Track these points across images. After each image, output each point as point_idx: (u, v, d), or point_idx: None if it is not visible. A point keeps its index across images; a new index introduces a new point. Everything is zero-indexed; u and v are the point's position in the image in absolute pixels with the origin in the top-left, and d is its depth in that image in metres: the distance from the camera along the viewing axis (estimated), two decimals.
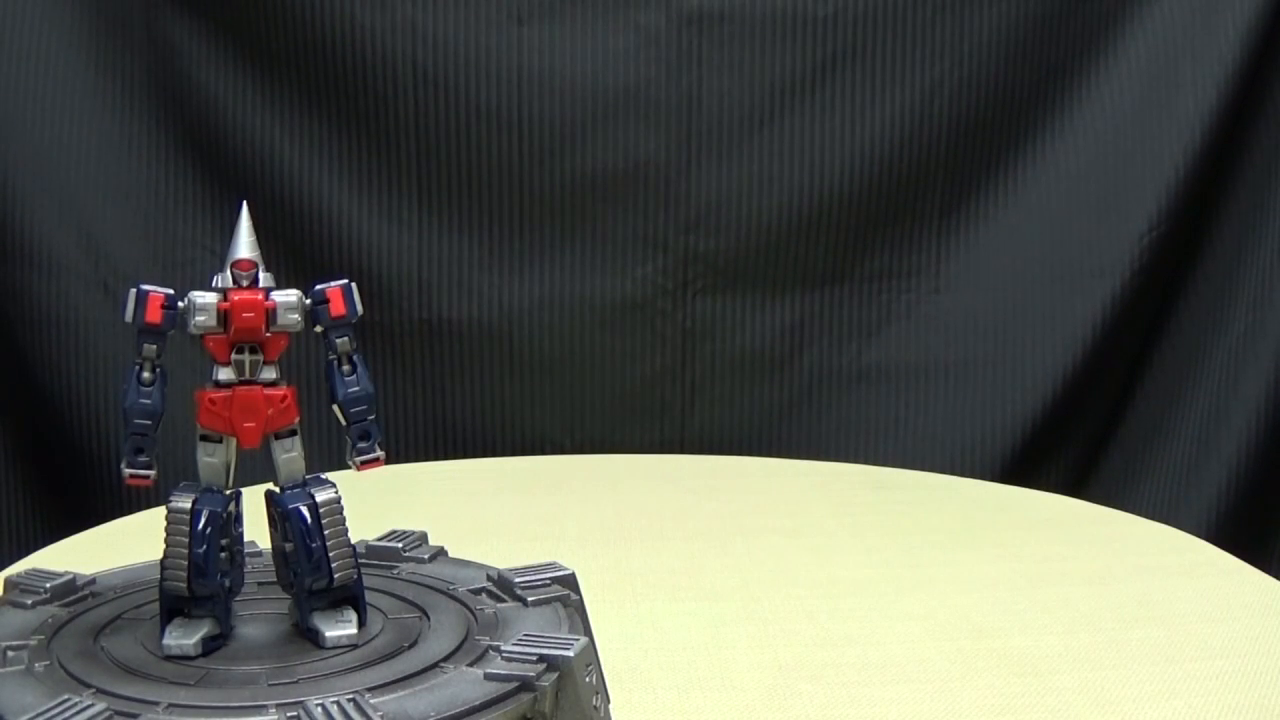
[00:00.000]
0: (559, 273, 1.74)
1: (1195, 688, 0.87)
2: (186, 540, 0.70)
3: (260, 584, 0.78)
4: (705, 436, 1.78)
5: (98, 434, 1.71)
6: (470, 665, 0.68)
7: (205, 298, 0.71)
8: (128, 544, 0.90)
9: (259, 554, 0.81)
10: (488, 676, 0.66)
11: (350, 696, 0.63)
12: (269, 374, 0.72)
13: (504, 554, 0.86)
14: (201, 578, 0.70)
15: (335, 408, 0.74)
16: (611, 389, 1.76)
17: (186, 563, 0.70)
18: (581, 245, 1.74)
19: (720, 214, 1.73)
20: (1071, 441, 1.82)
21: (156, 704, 0.64)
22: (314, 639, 0.72)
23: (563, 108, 1.70)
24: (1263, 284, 1.77)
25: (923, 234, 1.78)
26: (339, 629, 0.72)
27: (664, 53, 1.71)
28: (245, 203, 0.74)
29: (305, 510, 0.72)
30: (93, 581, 0.80)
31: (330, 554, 0.72)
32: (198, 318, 0.71)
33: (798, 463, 1.49)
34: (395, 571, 0.82)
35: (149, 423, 0.71)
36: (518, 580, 0.78)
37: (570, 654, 0.67)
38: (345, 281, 0.73)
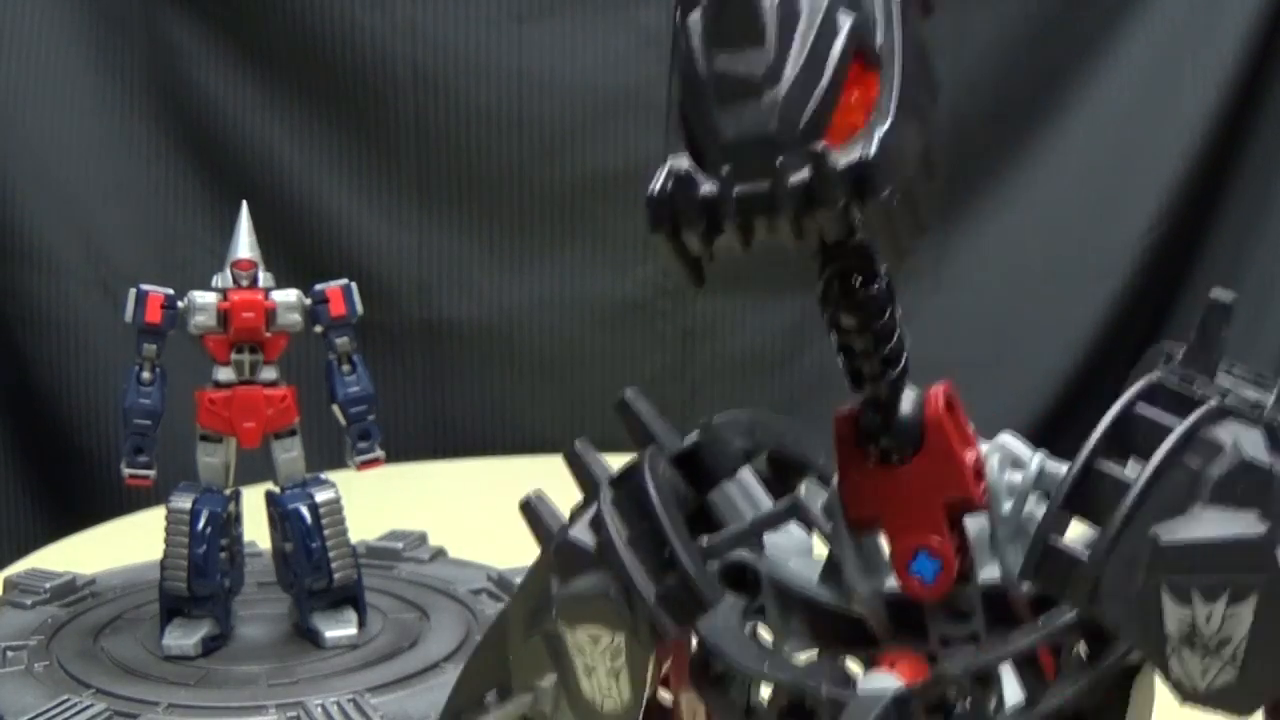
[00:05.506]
0: (559, 273, 1.74)
1: None
2: (186, 540, 0.70)
3: (260, 584, 0.78)
4: None
5: (98, 434, 1.70)
6: None
7: (205, 298, 0.71)
8: (128, 544, 0.90)
9: (259, 554, 0.81)
10: None
11: (350, 697, 0.63)
12: (269, 374, 0.72)
13: (504, 554, 0.86)
14: (201, 578, 0.70)
15: (335, 408, 0.74)
16: (611, 389, 1.75)
17: (186, 563, 0.70)
18: (581, 245, 1.74)
19: None
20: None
21: (156, 704, 0.64)
22: (314, 639, 0.72)
23: (563, 108, 1.70)
24: (1263, 284, 1.76)
25: None
26: (339, 629, 0.72)
27: (664, 52, 1.70)
28: (245, 203, 0.74)
29: (305, 510, 0.72)
30: (93, 581, 0.80)
31: (330, 554, 0.72)
32: (197, 318, 0.71)
33: None
34: (395, 571, 0.82)
35: (149, 423, 0.72)
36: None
37: None
38: (345, 282, 0.73)
